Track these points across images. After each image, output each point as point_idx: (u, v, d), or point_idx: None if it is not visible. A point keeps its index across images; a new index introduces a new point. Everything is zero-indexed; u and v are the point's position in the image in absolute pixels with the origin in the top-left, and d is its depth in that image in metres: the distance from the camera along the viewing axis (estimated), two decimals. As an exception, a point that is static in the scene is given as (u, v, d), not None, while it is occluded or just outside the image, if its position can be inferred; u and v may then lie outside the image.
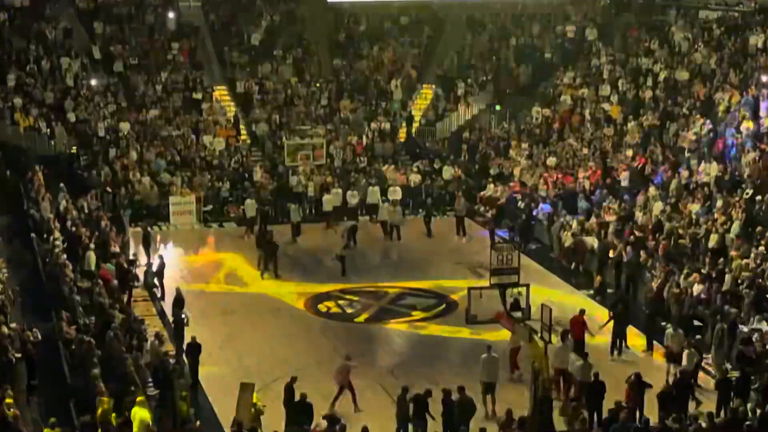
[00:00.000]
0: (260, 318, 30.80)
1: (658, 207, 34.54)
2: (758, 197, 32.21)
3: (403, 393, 22.60)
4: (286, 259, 35.91)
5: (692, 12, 48.29)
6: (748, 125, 36.82)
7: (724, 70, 41.82)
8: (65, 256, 29.33)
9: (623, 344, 27.81)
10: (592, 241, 34.29)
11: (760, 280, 28.11)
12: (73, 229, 32.60)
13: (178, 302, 28.46)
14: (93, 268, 30.14)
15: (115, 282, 29.82)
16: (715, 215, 32.34)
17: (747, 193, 32.75)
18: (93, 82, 46.00)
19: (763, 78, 39.04)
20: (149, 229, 36.68)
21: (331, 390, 24.24)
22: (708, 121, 38.74)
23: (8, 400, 19.17)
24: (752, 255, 29.21)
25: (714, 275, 29.12)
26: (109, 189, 39.61)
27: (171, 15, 50.97)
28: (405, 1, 46.01)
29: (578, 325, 26.85)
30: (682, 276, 29.55)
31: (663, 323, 28.40)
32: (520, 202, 39.21)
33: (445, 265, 35.87)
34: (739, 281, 28.48)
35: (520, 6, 51.28)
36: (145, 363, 24.08)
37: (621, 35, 48.67)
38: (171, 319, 28.70)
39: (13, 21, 48.17)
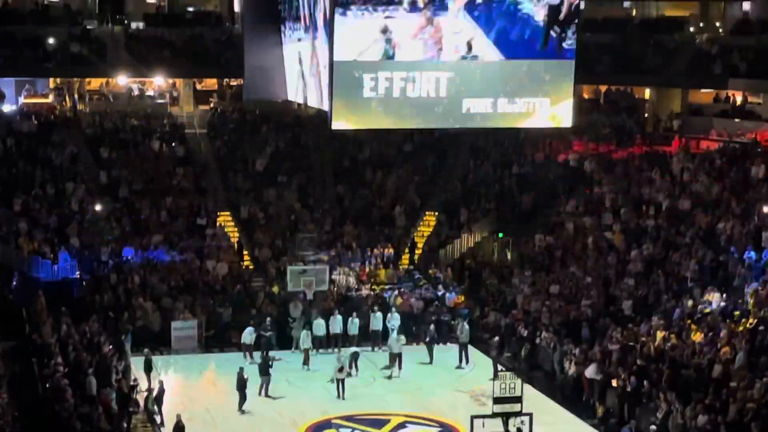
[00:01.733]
0: (261, 446, 30.56)
1: (661, 336, 34.42)
2: (761, 327, 32.14)
3: None
4: (288, 385, 35.81)
5: (693, 142, 48.82)
6: (750, 255, 36.91)
7: (726, 199, 42.07)
8: (66, 380, 29.20)
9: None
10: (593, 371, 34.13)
11: (766, 411, 27.90)
12: (74, 353, 32.50)
13: (178, 429, 28.24)
14: (93, 393, 29.98)
15: (116, 408, 29.64)
16: (719, 345, 32.22)
17: (751, 323, 32.69)
18: (98, 207, 46.21)
19: (765, 208, 39.27)
20: (151, 354, 36.49)
21: None
22: (710, 251, 38.84)
23: None
24: (757, 385, 29.04)
25: (718, 406, 28.92)
26: (111, 314, 39.53)
27: (176, 141, 51.52)
28: (408, 128, 46.35)
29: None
30: (687, 407, 29.34)
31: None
32: (522, 330, 39.11)
33: (447, 392, 35.66)
34: (744, 412, 28.26)
35: (522, 134, 51.72)
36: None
37: (622, 164, 49.01)
38: (171, 446, 28.47)
39: (20, 146, 48.64)
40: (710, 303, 35.51)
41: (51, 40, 52.66)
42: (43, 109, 52.75)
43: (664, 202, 44.22)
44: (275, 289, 43.02)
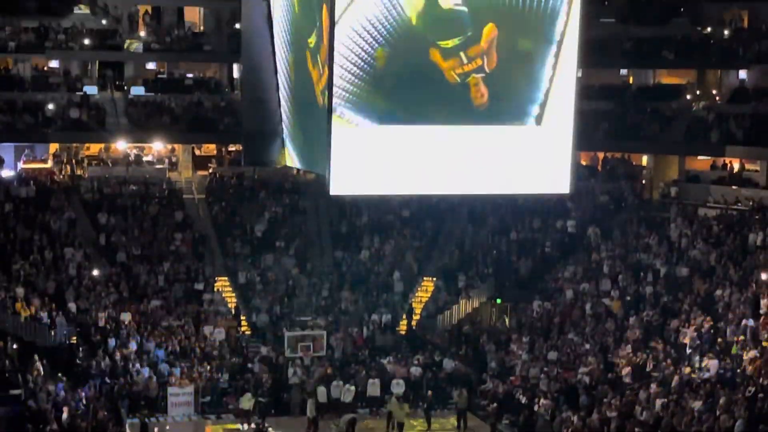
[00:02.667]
0: None
1: (659, 403, 34.25)
2: (761, 395, 32.00)
3: None
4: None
5: (691, 209, 48.88)
6: (748, 322, 36.85)
7: (724, 266, 42.06)
8: (61, 447, 29.04)
9: None
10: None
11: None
12: (70, 420, 32.31)
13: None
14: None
15: (111, 475, 29.46)
16: (718, 412, 32.06)
17: (749, 391, 32.55)
18: (95, 272, 46.17)
19: (763, 276, 39.26)
20: (147, 420, 36.26)
21: None
22: (708, 318, 38.79)
23: None
24: (756, 454, 28.90)
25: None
26: (107, 380, 39.36)
27: (174, 207, 51.60)
28: (406, 194, 46.47)
29: None
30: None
31: None
32: (521, 397, 38.92)
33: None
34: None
35: (520, 201, 51.81)
36: None
37: (620, 231, 49.07)
38: None
39: (18, 211, 48.68)
40: (708, 370, 35.39)
41: (50, 106, 53.01)
42: (41, 174, 52.87)
43: (662, 268, 44.24)
44: (272, 354, 42.89)
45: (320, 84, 24.64)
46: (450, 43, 22.90)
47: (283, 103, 30.08)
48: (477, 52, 23.08)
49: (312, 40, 24.77)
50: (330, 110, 25.48)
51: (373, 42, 22.26)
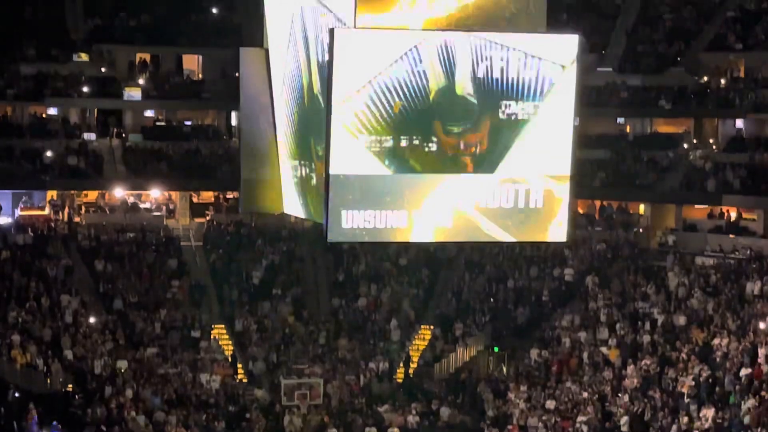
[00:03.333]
0: None
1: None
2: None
3: None
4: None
5: (688, 258, 48.88)
6: (746, 372, 36.78)
7: (722, 316, 42.02)
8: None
9: None
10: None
11: None
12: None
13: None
14: None
15: None
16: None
17: (748, 441, 32.51)
18: (91, 319, 46.07)
19: (761, 325, 39.22)
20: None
21: None
22: (706, 367, 38.70)
23: None
24: (755, 504, 28.77)
25: None
26: (103, 428, 39.15)
27: (171, 254, 51.58)
28: (404, 242, 46.49)
29: None
30: None
31: None
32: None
33: None
34: None
35: (517, 249, 51.83)
36: None
37: (618, 279, 49.02)
38: None
39: (15, 258, 48.64)
40: (706, 420, 35.28)
41: (49, 153, 53.12)
42: (39, 221, 52.85)
43: (659, 317, 44.18)
44: (268, 400, 42.75)
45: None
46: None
47: (281, 150, 30.14)
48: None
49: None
50: (327, 158, 25.56)
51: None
